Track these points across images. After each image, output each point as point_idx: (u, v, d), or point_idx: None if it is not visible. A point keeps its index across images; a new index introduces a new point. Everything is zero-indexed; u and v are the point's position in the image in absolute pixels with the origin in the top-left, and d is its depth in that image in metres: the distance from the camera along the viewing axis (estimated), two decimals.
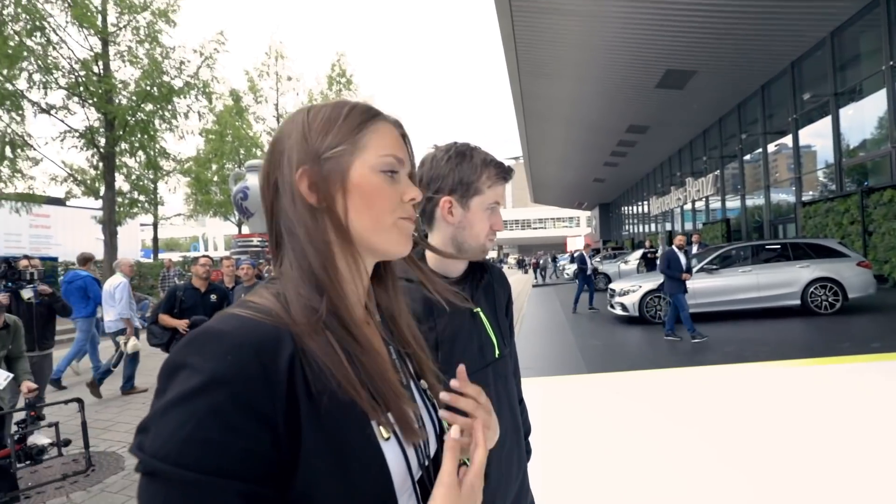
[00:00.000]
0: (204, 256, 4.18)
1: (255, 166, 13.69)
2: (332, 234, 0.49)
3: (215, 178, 18.03)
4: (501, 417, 0.93)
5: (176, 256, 23.78)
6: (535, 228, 66.71)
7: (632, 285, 8.19)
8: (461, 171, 0.91)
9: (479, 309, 0.95)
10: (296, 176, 0.49)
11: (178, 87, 11.68)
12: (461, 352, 0.90)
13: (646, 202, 23.82)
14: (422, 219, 0.95)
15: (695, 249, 9.85)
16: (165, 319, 3.85)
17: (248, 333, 0.42)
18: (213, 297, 4.02)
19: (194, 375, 0.39)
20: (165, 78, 11.33)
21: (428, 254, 0.96)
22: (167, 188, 14.95)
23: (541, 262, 22.15)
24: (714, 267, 7.86)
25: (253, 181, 13.04)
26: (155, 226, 18.43)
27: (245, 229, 15.58)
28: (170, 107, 11.65)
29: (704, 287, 7.70)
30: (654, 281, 8.03)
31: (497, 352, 0.95)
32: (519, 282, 22.25)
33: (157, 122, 11.73)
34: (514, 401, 0.99)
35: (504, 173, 0.93)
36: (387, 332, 0.57)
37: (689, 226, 18.53)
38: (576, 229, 62.80)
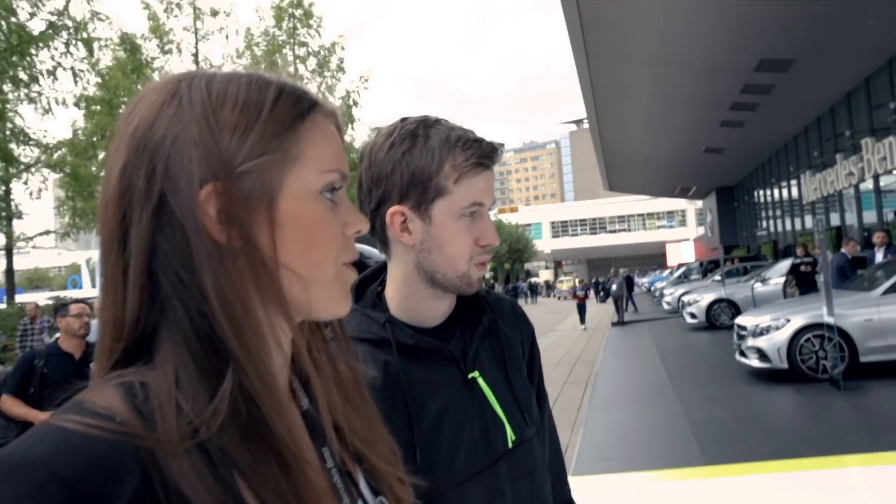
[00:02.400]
0: (77, 302, 4.19)
1: None
2: (251, 288, 0.51)
3: (103, 174, 18.51)
4: None
5: (44, 298, 24.41)
6: (613, 232, 67.00)
7: (774, 318, 8.19)
8: (411, 162, 0.93)
9: (476, 373, 0.98)
10: (200, 197, 0.50)
11: (36, 31, 12.11)
12: (453, 444, 0.93)
13: (794, 182, 23.72)
14: (374, 237, 1.00)
15: (879, 256, 9.74)
16: (11, 407, 3.89)
17: (65, 462, 0.43)
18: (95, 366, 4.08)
19: None
20: (15, 18, 11.75)
21: (388, 292, 1.01)
22: (26, 191, 15.41)
23: (609, 285, 22.59)
24: None
25: None
26: (9, 251, 18.97)
27: None
28: (25, 62, 12.06)
29: None
30: (811, 309, 7.94)
31: (511, 437, 0.98)
32: (594, 316, 22.66)
33: (4, 86, 12.15)
34: None
35: (481, 156, 0.94)
36: (319, 419, 0.60)
37: (870, 217, 18.11)
38: (679, 230, 62.50)
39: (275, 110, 0.53)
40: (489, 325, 1.03)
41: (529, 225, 67.08)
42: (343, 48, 21.74)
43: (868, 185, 17.69)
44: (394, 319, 0.97)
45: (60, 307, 4.13)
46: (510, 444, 0.97)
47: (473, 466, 0.93)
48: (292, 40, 20.92)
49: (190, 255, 0.50)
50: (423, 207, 0.93)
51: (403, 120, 0.97)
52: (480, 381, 0.98)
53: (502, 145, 0.99)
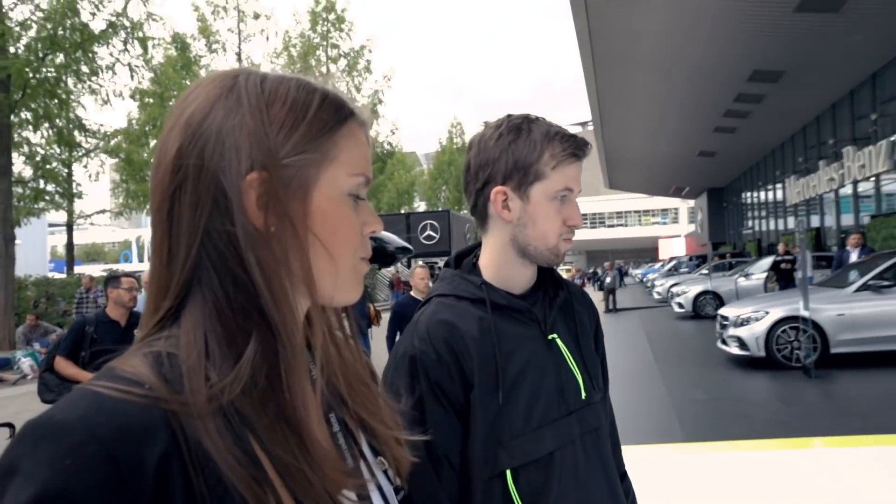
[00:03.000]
0: (127, 276, 4.17)
1: None
2: (283, 268, 0.52)
3: (156, 155, 18.65)
4: (593, 492, 0.99)
5: (99, 270, 24.72)
6: (612, 227, 66.36)
7: (754, 310, 8.11)
8: (516, 150, 0.99)
9: (555, 335, 1.03)
10: (244, 182, 0.51)
11: (97, 29, 12.17)
12: (533, 391, 0.97)
13: (779, 186, 23.32)
14: (474, 216, 1.07)
15: (854, 256, 9.60)
16: (65, 367, 3.86)
17: (100, 423, 0.43)
18: (139, 332, 4.08)
19: (25, 487, 0.41)
20: (78, 17, 11.81)
21: (483, 261, 1.07)
22: (86, 174, 15.58)
23: (604, 276, 22.43)
24: (884, 283, 7.60)
25: None
26: (69, 227, 19.24)
27: None
28: (87, 58, 12.14)
29: (868, 313, 7.48)
30: (788, 303, 7.86)
31: (584, 394, 1.02)
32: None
33: (69, 80, 12.24)
34: (611, 468, 1.04)
35: (575, 148, 1.00)
36: (329, 389, 0.61)
37: (847, 220, 17.84)
38: (672, 227, 61.85)
39: (318, 114, 0.54)
40: (564, 299, 1.08)
41: None
42: (370, 51, 21.66)
43: (847, 190, 17.40)
44: (487, 283, 1.04)
45: (111, 279, 4.07)
46: (583, 400, 1.02)
47: (550, 414, 0.98)
48: (325, 42, 20.87)
49: (233, 232, 0.51)
50: (522, 189, 1.00)
51: (509, 116, 1.03)
52: (559, 341, 1.03)
53: (589, 144, 1.04)
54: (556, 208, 1.00)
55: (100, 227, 19.81)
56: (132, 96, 16.32)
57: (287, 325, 0.52)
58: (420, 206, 40.46)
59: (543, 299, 1.06)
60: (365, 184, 0.58)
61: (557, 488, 0.96)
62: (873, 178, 15.52)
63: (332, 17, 20.52)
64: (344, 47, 21.21)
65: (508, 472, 0.95)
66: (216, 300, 0.51)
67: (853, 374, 7.07)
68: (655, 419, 5.78)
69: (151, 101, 17.87)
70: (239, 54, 19.34)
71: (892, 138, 14.34)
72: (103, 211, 19.32)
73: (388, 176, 32.85)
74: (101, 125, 14.52)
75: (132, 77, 13.87)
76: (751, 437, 4.98)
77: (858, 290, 7.61)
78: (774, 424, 5.39)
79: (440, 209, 35.50)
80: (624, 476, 1.16)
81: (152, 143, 18.64)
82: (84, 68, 12.36)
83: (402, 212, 34.36)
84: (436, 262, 27.27)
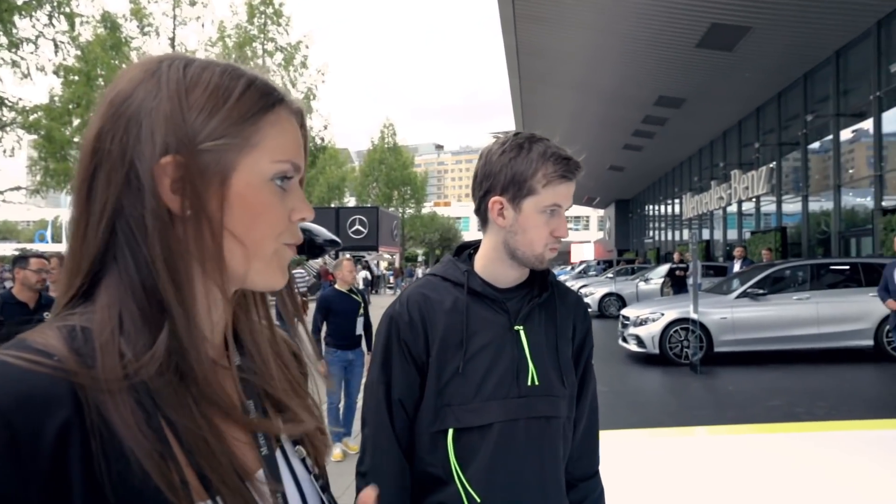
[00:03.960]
0: (37, 256, 3.85)
1: None
2: (194, 253, 0.50)
3: (77, 139, 17.30)
4: (521, 473, 1.05)
5: (10, 249, 22.70)
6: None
7: (651, 312, 8.41)
8: (514, 166, 1.06)
9: (521, 327, 1.10)
10: (158, 165, 0.49)
11: (20, 0, 11.14)
12: (488, 367, 1.06)
13: (677, 201, 24.45)
14: (477, 216, 1.15)
15: (737, 267, 10.13)
16: None
17: (1, 391, 0.41)
18: (48, 315, 3.73)
19: None
20: None
21: (478, 255, 1.16)
22: (1, 149, 14.21)
23: None
24: (761, 291, 8.11)
25: None
26: None
27: None
28: (6, 30, 11.08)
29: (747, 318, 7.95)
30: (680, 307, 8.24)
31: (535, 381, 1.08)
32: None
33: None
34: (551, 458, 1.08)
35: (566, 170, 1.07)
36: (248, 376, 0.59)
37: (732, 234, 19.06)
38: (584, 233, 64.12)
39: (241, 100, 0.52)
40: (547, 299, 1.14)
41: (460, 218, 67.18)
42: (307, 46, 21.05)
43: (733, 208, 18.56)
44: (472, 271, 1.14)
45: (20, 259, 3.80)
46: (530, 385, 1.07)
47: (500, 391, 1.05)
48: (262, 35, 20.07)
49: (144, 215, 0.49)
50: (516, 201, 1.07)
51: (516, 134, 1.11)
52: (522, 333, 1.10)
53: (579, 166, 1.10)
54: (544, 220, 1.07)
55: (13, 204, 18.13)
56: (56, 72, 15.02)
57: (187, 311, 0.50)
58: (350, 201, 39.78)
59: (524, 296, 1.13)
60: (293, 170, 0.55)
61: (485, 457, 1.04)
62: (754, 199, 16.69)
63: (269, 10, 19.71)
64: (281, 41, 20.51)
65: (450, 431, 1.04)
66: (130, 280, 0.49)
67: (732, 371, 7.51)
68: None
69: (77, 78, 16.55)
70: (173, 39, 18.23)
71: (771, 165, 15.48)
72: (18, 188, 17.71)
73: (319, 170, 32.05)
74: (20, 99, 13.26)
75: (56, 52, 12.76)
76: (645, 425, 5.19)
77: (739, 296, 8.08)
78: (665, 415, 5.63)
79: (369, 205, 35.07)
80: (591, 476, 1.20)
81: (76, 121, 17.29)
82: (2, 39, 11.28)
83: (332, 206, 33.71)
84: (363, 256, 26.89)
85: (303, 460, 0.60)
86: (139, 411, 0.46)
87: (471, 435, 1.05)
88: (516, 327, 1.09)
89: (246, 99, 0.52)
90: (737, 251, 10.67)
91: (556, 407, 1.09)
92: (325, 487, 0.62)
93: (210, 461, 0.48)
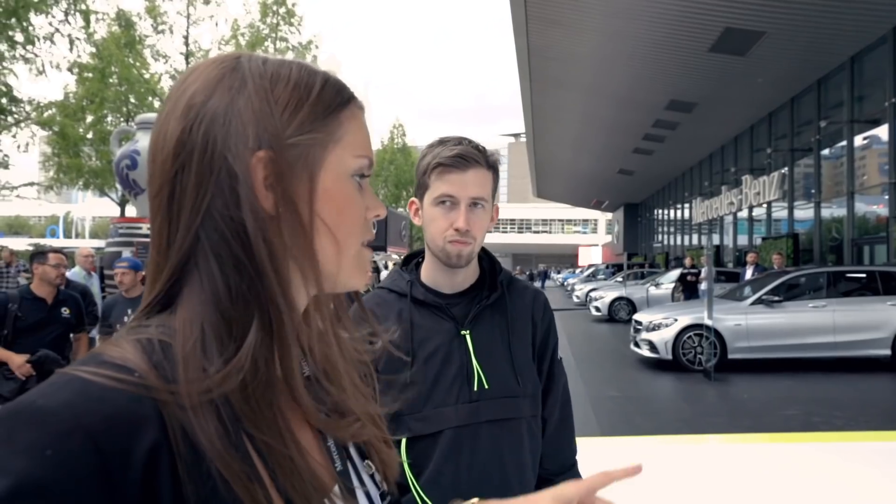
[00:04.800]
0: (55, 252, 3.81)
1: (151, 122, 13.19)
2: (290, 252, 0.48)
3: (90, 136, 17.42)
4: (481, 476, 1.05)
5: (23, 244, 22.83)
6: (537, 232, 67.89)
7: (664, 317, 8.39)
8: (420, 166, 1.10)
9: (467, 332, 1.09)
10: (252, 161, 0.47)
11: None
12: (435, 376, 1.06)
13: (687, 206, 24.43)
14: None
15: (749, 273, 10.08)
16: None
17: (87, 411, 0.40)
18: (66, 311, 3.75)
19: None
20: None
21: (423, 265, 1.17)
22: (14, 144, 14.30)
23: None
24: (776, 298, 8.07)
25: (146, 144, 12.56)
26: None
27: (131, 211, 15.06)
28: (22, 26, 11.15)
29: (762, 325, 7.90)
30: (694, 312, 8.20)
31: (484, 384, 1.07)
32: None
33: (0, 46, 11.21)
34: (511, 462, 1.08)
35: (451, 160, 1.05)
36: (315, 389, 0.57)
37: (743, 240, 18.95)
38: (591, 236, 64.08)
39: (322, 94, 0.52)
40: (496, 300, 1.13)
41: None
42: (318, 46, 21.12)
43: (744, 213, 18.48)
44: (415, 281, 1.14)
45: (38, 254, 3.78)
46: (477, 389, 1.07)
47: (450, 397, 1.06)
48: (274, 35, 20.13)
49: (237, 215, 0.47)
50: (421, 199, 1.11)
51: (441, 137, 1.13)
52: (468, 337, 1.09)
53: (469, 154, 1.07)
54: (441, 213, 1.07)
55: (26, 199, 18.25)
56: (70, 69, 15.13)
57: (292, 315, 0.48)
58: None
59: (471, 300, 1.13)
60: (368, 166, 0.55)
61: (436, 464, 1.04)
62: (766, 205, 16.59)
63: (282, 10, 19.77)
64: (292, 41, 20.58)
65: (404, 441, 1.05)
66: (214, 287, 0.47)
67: (746, 378, 7.45)
68: (574, 413, 5.88)
69: (91, 75, 16.67)
70: (186, 38, 18.31)
71: (783, 171, 15.38)
72: (31, 184, 17.86)
73: None
74: (33, 99, 13.35)
75: (71, 49, 12.84)
76: (657, 432, 5.16)
77: (753, 303, 8.04)
78: (678, 422, 5.59)
79: None
80: (568, 469, 1.20)
81: (89, 118, 17.40)
82: (18, 36, 11.35)
83: None
84: (372, 257, 26.95)
85: (371, 476, 0.59)
86: (222, 429, 0.43)
87: (423, 443, 1.05)
88: (463, 332, 1.09)
89: (326, 93, 0.52)
90: (749, 256, 10.61)
91: (516, 408, 1.09)
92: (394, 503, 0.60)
93: (294, 481, 0.46)
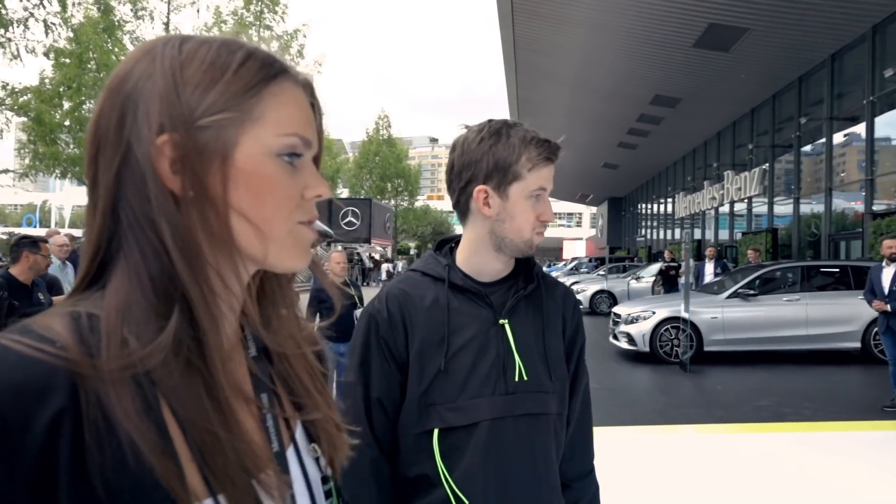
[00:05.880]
0: (45, 242, 4.13)
1: None
2: (202, 235, 0.48)
3: (67, 123, 17.09)
4: (511, 472, 1.01)
5: None
6: None
7: (643, 310, 8.47)
8: (496, 153, 1.04)
9: (506, 321, 1.06)
10: (156, 144, 0.47)
11: None
12: (472, 365, 1.02)
13: (670, 200, 24.60)
14: (455, 211, 1.11)
15: (709, 267, 10.19)
16: None
17: None
18: (41, 295, 3.99)
19: None
20: None
21: (460, 248, 1.13)
22: None
23: None
24: (752, 292, 8.19)
25: None
26: None
27: None
28: None
29: (737, 318, 8.03)
30: (671, 305, 8.29)
31: (524, 376, 1.04)
32: None
33: None
34: (544, 456, 1.05)
35: (549, 152, 1.06)
36: (265, 368, 0.57)
37: (724, 235, 19.18)
38: (576, 230, 64.42)
39: (239, 72, 0.50)
40: (532, 291, 1.11)
41: (452, 211, 67.63)
42: (305, 35, 20.89)
43: (725, 208, 18.69)
44: (453, 265, 1.10)
45: (30, 244, 3.93)
46: (517, 380, 1.04)
47: (486, 388, 1.02)
48: (258, 23, 19.87)
49: (147, 198, 0.47)
50: (502, 188, 1.04)
51: (490, 121, 1.08)
52: (507, 327, 1.06)
53: (559, 147, 1.09)
54: (531, 205, 1.05)
55: (2, 187, 17.91)
56: (46, 54, 14.81)
57: (205, 296, 0.48)
58: (343, 192, 39.63)
59: (509, 289, 1.10)
60: (301, 145, 0.52)
61: (473, 458, 1.00)
62: (746, 200, 16.80)
63: None
64: (277, 30, 20.34)
65: (436, 432, 1.00)
66: (138, 268, 0.48)
67: (721, 370, 7.58)
68: None
69: (68, 61, 16.33)
70: (167, 24, 18.00)
71: (764, 166, 15.59)
72: (6, 171, 17.51)
73: None
74: (7, 84, 13.06)
75: (47, 34, 12.57)
76: (633, 423, 5.24)
77: (729, 297, 8.15)
78: (653, 412, 5.67)
79: (363, 197, 34.94)
80: (586, 474, 1.17)
81: (66, 104, 17.07)
82: None
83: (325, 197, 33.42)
84: (355, 248, 26.80)
85: (316, 459, 0.58)
86: (141, 403, 0.44)
87: (457, 435, 1.01)
88: (501, 321, 1.06)
89: (244, 71, 0.50)
90: (709, 251, 10.76)
91: (546, 403, 1.06)
92: (331, 492, 0.59)
93: (217, 457, 0.46)
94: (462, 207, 1.09)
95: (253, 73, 0.50)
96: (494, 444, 1.01)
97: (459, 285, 1.07)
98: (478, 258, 1.10)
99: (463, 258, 1.11)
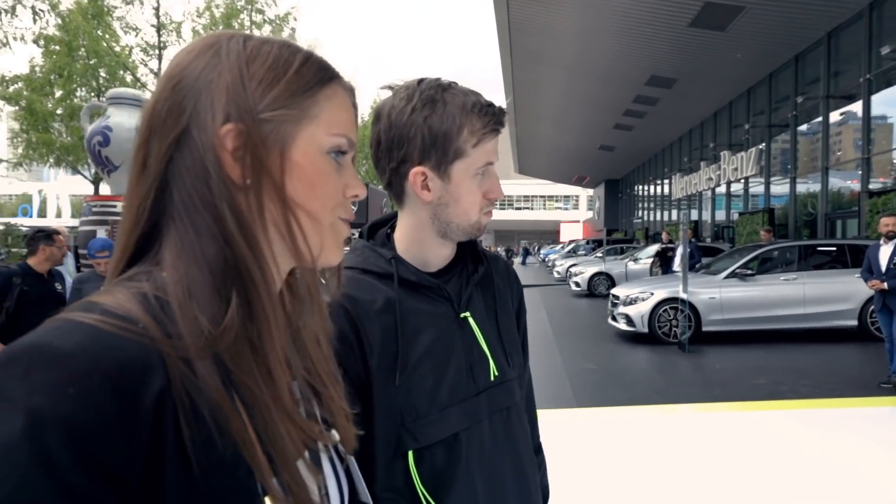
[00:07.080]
0: (58, 234, 4.13)
1: (122, 97, 12.65)
2: (259, 221, 0.50)
3: (59, 111, 16.91)
4: (497, 472, 0.93)
5: None
6: (519, 209, 67.97)
7: (641, 291, 8.48)
8: (432, 126, 0.88)
9: (468, 313, 0.95)
10: (220, 133, 0.49)
11: None
12: (439, 371, 0.89)
13: (667, 181, 24.57)
14: (388, 193, 0.97)
15: (679, 251, 10.10)
16: None
17: (102, 356, 0.41)
18: (58, 286, 4.07)
19: (14, 413, 0.39)
20: None
21: (398, 234, 0.97)
22: None
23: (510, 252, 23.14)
24: (749, 272, 8.23)
25: (118, 119, 12.08)
26: None
27: (106, 189, 14.70)
28: None
29: (735, 298, 8.06)
30: (670, 286, 8.31)
31: (494, 373, 0.95)
32: None
33: None
34: (520, 447, 0.98)
35: (496, 122, 0.91)
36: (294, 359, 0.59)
37: (720, 215, 19.22)
38: (573, 212, 64.41)
39: (300, 73, 0.54)
40: (484, 274, 1.00)
41: None
42: (296, 19, 20.64)
43: (722, 189, 18.72)
44: (399, 257, 0.94)
45: (45, 237, 4.08)
46: (492, 379, 0.94)
47: (457, 395, 0.90)
48: (250, 6, 19.61)
49: (207, 183, 0.49)
50: (442, 168, 0.89)
51: (419, 82, 0.91)
52: (471, 320, 0.95)
53: (504, 112, 0.94)
54: (477, 184, 0.92)
55: None
56: (35, 41, 14.62)
57: (266, 278, 0.50)
58: None
59: (460, 275, 0.98)
60: (347, 144, 0.57)
61: (460, 469, 0.89)
62: (743, 180, 16.80)
63: None
64: (269, 14, 20.09)
65: (410, 453, 0.87)
66: (195, 251, 0.49)
67: (719, 350, 7.62)
68: (552, 387, 5.96)
69: (58, 48, 16.11)
70: (157, 9, 17.73)
71: (761, 146, 15.56)
72: (0, 161, 17.39)
73: None
74: None
75: (35, 21, 12.39)
76: (632, 403, 5.26)
77: (727, 277, 8.17)
78: (652, 392, 5.70)
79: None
80: (538, 449, 1.12)
81: (58, 93, 16.87)
82: None
83: None
84: (353, 234, 26.79)
85: (335, 446, 0.61)
86: (218, 381, 0.46)
87: (433, 452, 0.88)
88: (462, 314, 0.94)
89: (304, 72, 0.54)
90: (688, 232, 10.43)
91: (512, 392, 0.97)
92: (351, 473, 0.62)
93: (277, 438, 0.48)
94: (396, 190, 0.94)
95: (311, 75, 0.55)
96: (478, 450, 0.91)
97: (413, 280, 0.92)
98: (421, 247, 0.96)
99: (404, 248, 0.96)
